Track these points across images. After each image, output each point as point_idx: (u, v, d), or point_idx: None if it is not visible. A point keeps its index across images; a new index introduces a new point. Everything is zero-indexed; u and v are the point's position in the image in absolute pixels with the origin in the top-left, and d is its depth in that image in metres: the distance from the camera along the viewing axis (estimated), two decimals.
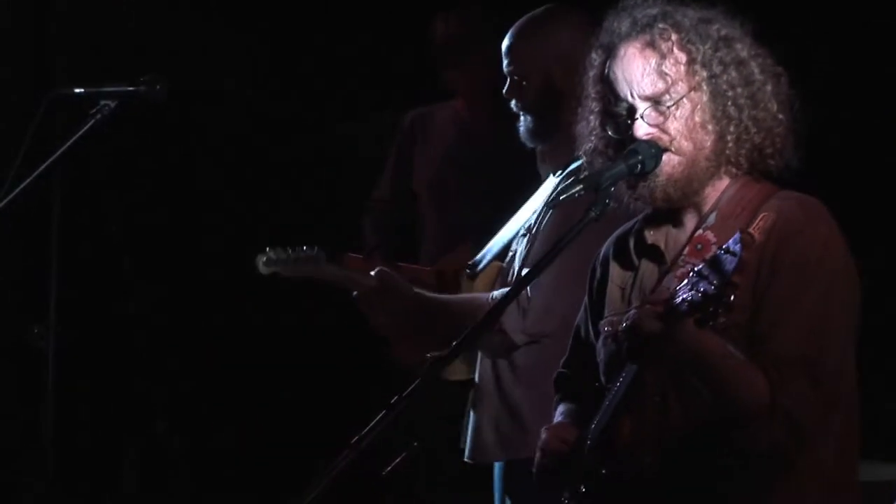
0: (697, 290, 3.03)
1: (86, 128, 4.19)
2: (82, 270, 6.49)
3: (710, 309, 3.03)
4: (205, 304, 6.81)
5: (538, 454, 3.49)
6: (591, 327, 3.61)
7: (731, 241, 3.02)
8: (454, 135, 6.15)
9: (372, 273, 4.70)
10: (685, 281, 3.07)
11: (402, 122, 6.27)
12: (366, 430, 3.16)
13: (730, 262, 3.00)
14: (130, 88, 4.29)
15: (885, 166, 5.66)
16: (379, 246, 6.17)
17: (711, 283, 3.01)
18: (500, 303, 3.39)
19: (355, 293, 4.76)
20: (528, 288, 4.27)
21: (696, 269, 3.06)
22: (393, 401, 3.18)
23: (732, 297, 3.01)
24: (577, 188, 3.32)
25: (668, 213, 3.46)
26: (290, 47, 6.75)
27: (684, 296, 3.06)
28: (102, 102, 4.22)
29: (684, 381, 3.27)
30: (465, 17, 6.12)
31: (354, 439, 3.16)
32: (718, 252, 3.03)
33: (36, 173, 4.17)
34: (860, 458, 3.42)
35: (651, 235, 3.49)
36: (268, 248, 5.13)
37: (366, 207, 6.29)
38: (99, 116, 4.21)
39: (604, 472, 3.33)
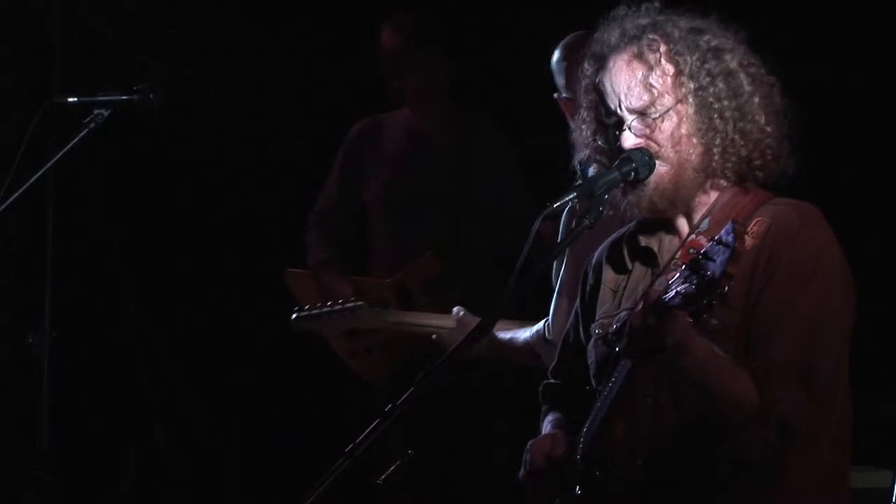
0: (690, 283, 3.01)
1: (79, 136, 4.19)
2: (79, 278, 6.49)
3: (704, 301, 3.01)
4: (203, 310, 6.81)
5: (522, 471, 3.50)
6: (582, 331, 3.61)
7: (723, 231, 3.00)
8: (405, 143, 6.11)
9: (454, 313, 4.69)
10: (677, 275, 3.06)
11: (348, 131, 6.22)
12: (361, 437, 3.17)
13: (723, 253, 2.98)
14: (124, 97, 4.29)
15: (879, 170, 5.68)
16: (330, 260, 6.11)
17: (704, 275, 2.99)
18: (490, 314, 3.38)
19: (434, 336, 4.75)
20: (552, 324, 4.36)
21: (687, 262, 3.04)
22: (388, 408, 3.18)
23: (727, 288, 2.99)
24: (571, 195, 3.32)
25: (662, 220, 3.46)
26: (290, 52, 6.74)
27: (677, 289, 3.04)
28: (96, 111, 4.22)
29: (676, 381, 3.27)
30: (403, 26, 6.09)
31: (349, 447, 3.16)
32: (710, 244, 3.01)
33: (29, 182, 4.18)
34: (852, 464, 3.42)
35: (644, 240, 3.50)
36: (304, 307, 5.11)
37: (311, 221, 6.23)
38: (93, 125, 4.21)
39: (598, 474, 3.33)
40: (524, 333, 4.53)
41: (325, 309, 5.07)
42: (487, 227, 6.00)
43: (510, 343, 4.56)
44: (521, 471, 3.51)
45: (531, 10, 6.25)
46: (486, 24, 6.40)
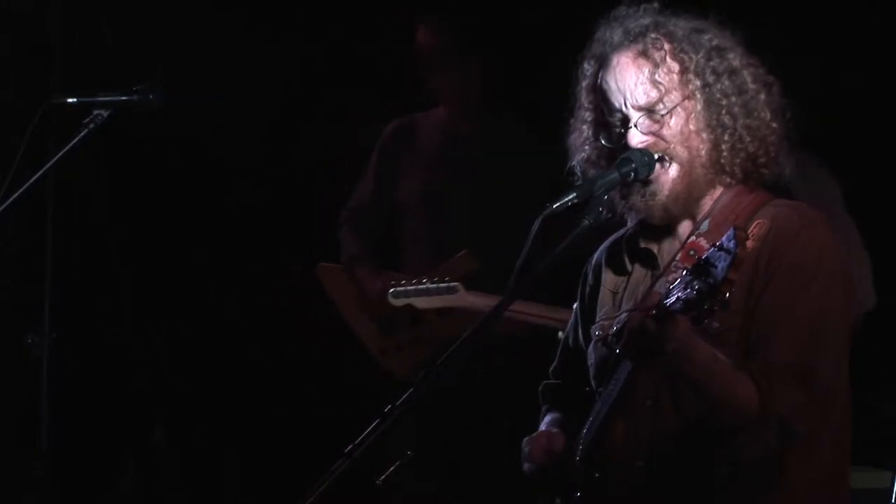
0: (692, 288, 3.01)
1: (79, 137, 4.19)
2: (79, 278, 6.49)
3: (706, 307, 3.01)
4: (203, 310, 6.81)
5: (525, 465, 3.49)
6: (581, 334, 3.62)
7: (724, 237, 3.00)
8: (441, 143, 6.11)
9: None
10: (679, 280, 3.06)
11: (383, 130, 6.23)
12: (360, 438, 3.16)
13: (724, 259, 2.98)
14: (124, 97, 4.29)
15: (879, 170, 5.68)
16: (363, 256, 6.12)
17: (706, 281, 2.99)
18: (494, 311, 3.38)
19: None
20: None
21: (689, 266, 3.04)
22: (386, 409, 3.18)
23: (728, 294, 2.99)
24: (571, 196, 3.33)
25: None
26: (291, 52, 6.74)
27: (678, 294, 3.04)
28: (95, 112, 4.22)
29: (677, 383, 3.27)
30: (445, 24, 6.10)
31: (348, 448, 3.17)
32: (712, 250, 3.01)
33: (29, 182, 4.17)
34: (852, 464, 3.42)
35: (645, 242, 3.50)
36: (401, 281, 5.40)
37: (344, 218, 6.24)
38: (92, 125, 4.20)
39: (597, 475, 3.33)
40: None
41: (421, 286, 5.39)
42: (518, 229, 5.99)
43: None
44: (525, 465, 3.50)
45: (531, 10, 6.25)
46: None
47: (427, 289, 5.39)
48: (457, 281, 5.56)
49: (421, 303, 5.45)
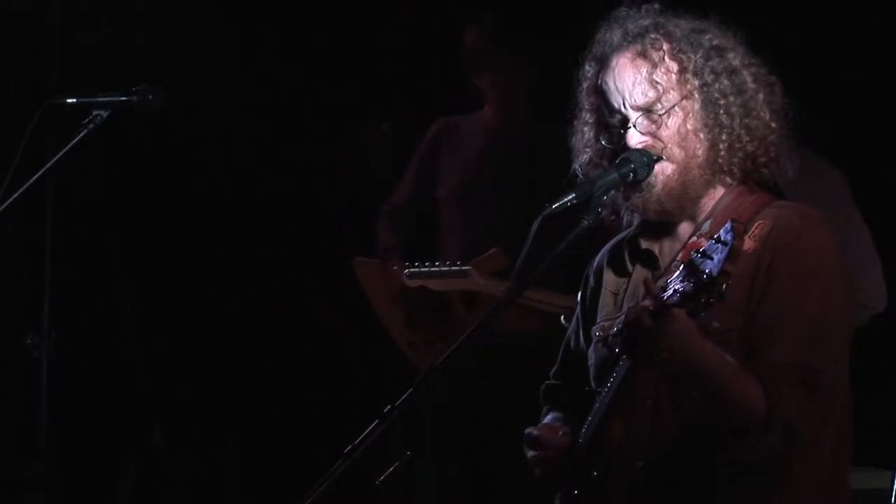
0: (689, 281, 3.01)
1: (77, 138, 4.19)
2: (79, 278, 6.49)
3: (702, 299, 3.01)
4: (203, 310, 6.81)
5: (530, 453, 3.48)
6: (582, 335, 3.62)
7: (722, 230, 3.00)
8: (484, 143, 6.13)
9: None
10: (676, 273, 3.06)
11: (428, 129, 6.25)
12: (359, 439, 3.17)
13: (721, 251, 2.98)
14: (124, 98, 4.29)
15: (879, 170, 5.68)
16: (395, 248, 6.15)
17: (703, 273, 2.99)
18: (493, 312, 3.38)
19: (564, 318, 4.86)
20: None
21: (685, 260, 3.05)
22: (386, 410, 3.18)
23: (725, 287, 2.99)
24: (570, 196, 3.33)
25: (664, 223, 3.46)
26: (292, 52, 6.75)
27: (676, 287, 3.04)
28: (95, 112, 4.22)
29: (677, 383, 3.27)
30: (496, 24, 6.11)
31: (348, 448, 3.17)
32: (709, 242, 3.01)
33: (29, 182, 4.17)
34: (852, 464, 3.42)
35: (646, 242, 3.50)
36: (415, 263, 5.57)
37: (383, 211, 6.27)
38: (92, 126, 4.20)
39: (595, 474, 3.33)
40: None
41: (434, 268, 5.55)
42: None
43: None
44: (529, 452, 3.49)
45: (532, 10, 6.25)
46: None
47: (440, 271, 5.52)
48: (487, 276, 5.61)
49: (435, 285, 5.57)
